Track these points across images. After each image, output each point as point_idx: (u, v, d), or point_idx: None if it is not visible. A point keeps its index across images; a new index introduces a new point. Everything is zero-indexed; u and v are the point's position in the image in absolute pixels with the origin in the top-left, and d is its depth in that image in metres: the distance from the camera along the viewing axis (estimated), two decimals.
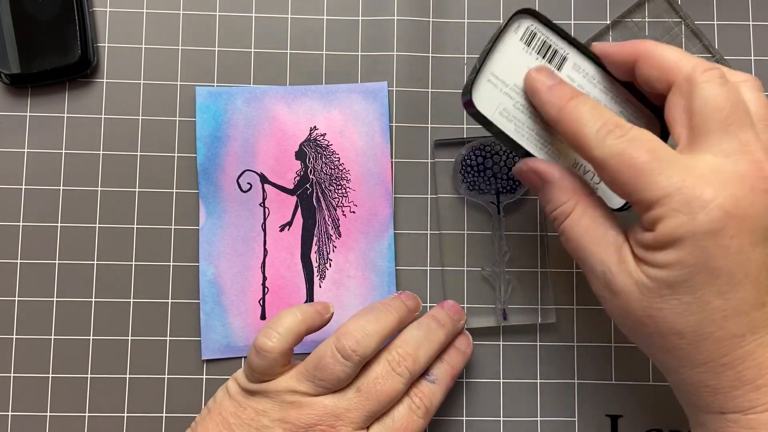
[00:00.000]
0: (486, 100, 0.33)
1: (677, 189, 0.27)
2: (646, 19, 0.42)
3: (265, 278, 0.41)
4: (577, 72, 0.34)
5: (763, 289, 0.27)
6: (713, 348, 0.27)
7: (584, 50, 0.33)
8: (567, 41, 0.33)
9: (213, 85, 0.42)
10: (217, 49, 0.42)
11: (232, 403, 0.35)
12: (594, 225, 0.30)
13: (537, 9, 0.34)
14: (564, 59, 0.33)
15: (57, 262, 0.41)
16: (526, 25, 0.33)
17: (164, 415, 0.40)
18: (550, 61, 0.33)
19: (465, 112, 0.33)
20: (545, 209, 0.33)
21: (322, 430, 0.33)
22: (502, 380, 0.41)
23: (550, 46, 0.33)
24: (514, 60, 0.33)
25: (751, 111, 0.29)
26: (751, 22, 0.43)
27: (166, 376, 0.40)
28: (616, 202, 0.34)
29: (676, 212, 0.27)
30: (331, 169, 0.41)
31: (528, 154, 0.33)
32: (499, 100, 0.33)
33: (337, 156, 0.41)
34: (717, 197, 0.26)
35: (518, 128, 0.33)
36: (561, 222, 0.31)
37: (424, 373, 0.36)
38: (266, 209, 0.41)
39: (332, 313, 0.37)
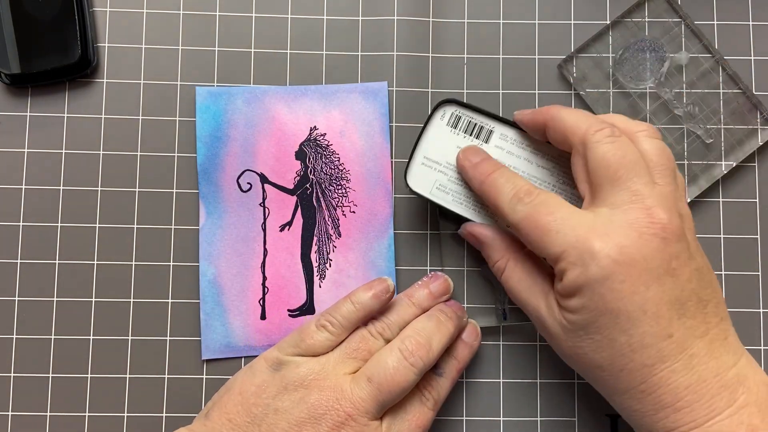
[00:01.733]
0: (421, 180, 0.38)
1: (571, 245, 0.30)
2: (646, 19, 0.42)
3: (265, 278, 0.41)
4: (504, 141, 0.38)
5: (666, 321, 0.30)
6: (629, 377, 0.31)
7: (506, 121, 0.38)
8: (489, 117, 0.38)
9: (213, 85, 0.42)
10: (217, 49, 0.42)
11: (255, 380, 0.35)
12: (524, 277, 0.35)
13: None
14: (491, 132, 0.38)
15: (57, 262, 0.41)
16: (451, 111, 0.38)
17: (164, 415, 0.40)
18: (478, 137, 0.38)
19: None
20: (489, 265, 0.37)
21: (336, 417, 0.33)
22: (502, 380, 0.41)
23: (475, 125, 0.38)
24: (444, 142, 0.38)
25: (649, 159, 0.32)
26: (751, 22, 0.43)
27: (166, 376, 0.40)
28: None
29: (573, 265, 0.30)
30: (331, 169, 0.41)
31: (468, 219, 0.38)
32: (434, 177, 0.38)
33: (337, 156, 0.41)
34: (604, 248, 0.30)
35: (455, 198, 0.38)
36: (499, 276, 0.36)
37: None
38: (266, 209, 0.41)
39: (392, 293, 0.37)
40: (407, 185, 0.38)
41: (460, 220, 0.38)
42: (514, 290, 0.35)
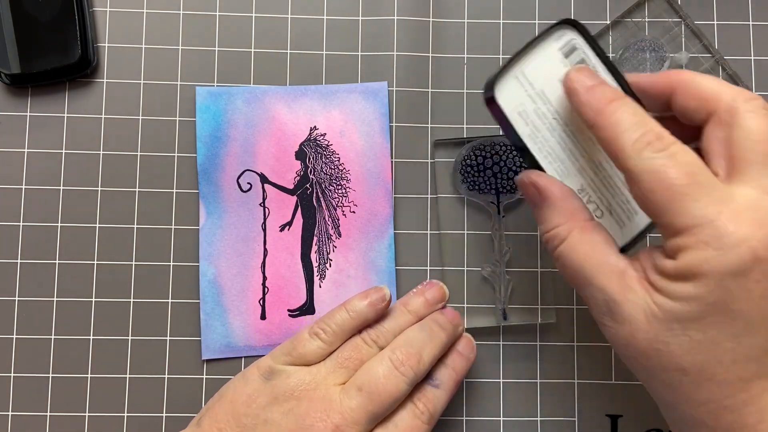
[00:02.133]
0: (508, 95, 0.32)
1: (710, 221, 0.25)
2: (646, 19, 0.42)
3: (265, 278, 0.41)
4: None
5: None
6: (716, 389, 0.26)
7: (619, 78, 0.32)
8: (605, 65, 0.32)
9: (213, 85, 0.42)
10: (217, 49, 0.42)
11: (247, 389, 0.35)
12: (593, 251, 0.29)
13: (573, 17, 0.32)
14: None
15: (57, 262, 0.41)
16: (569, 37, 0.32)
17: (164, 415, 0.40)
18: None
19: (486, 106, 0.32)
20: (539, 229, 0.31)
21: (324, 429, 0.33)
22: (502, 380, 0.41)
23: (588, 63, 0.32)
24: (548, 67, 0.32)
25: None
26: (751, 22, 0.43)
27: (166, 376, 0.40)
28: (619, 240, 0.32)
29: (705, 245, 0.25)
30: (331, 169, 0.41)
31: (534, 166, 0.32)
32: (521, 100, 0.32)
33: (337, 156, 0.41)
34: (750, 237, 0.25)
35: (533, 134, 0.32)
36: (555, 246, 0.30)
37: (427, 377, 0.36)
38: (266, 209, 0.41)
39: (388, 302, 0.36)
40: (488, 94, 0.32)
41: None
42: (575, 266, 0.29)
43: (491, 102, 0.32)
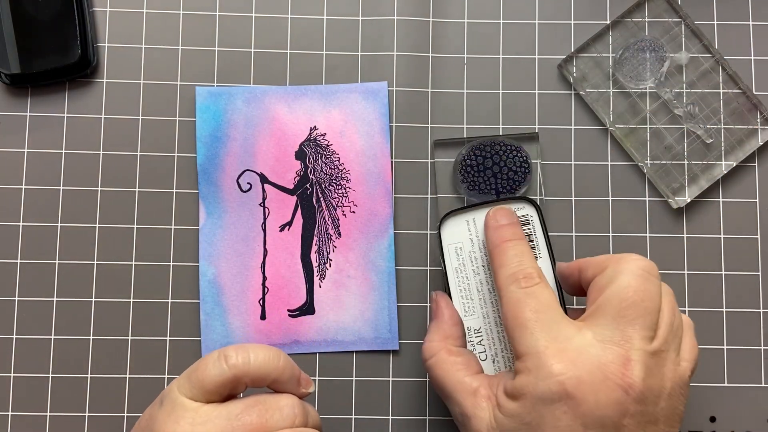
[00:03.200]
0: (453, 231, 0.37)
1: (537, 352, 0.29)
2: (646, 19, 0.42)
3: (265, 278, 0.41)
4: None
5: None
6: None
7: (552, 259, 0.36)
8: (547, 246, 0.36)
9: (213, 85, 0.42)
10: (217, 49, 0.42)
11: (146, 411, 0.31)
12: (453, 370, 0.33)
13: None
14: (538, 256, 0.36)
15: (57, 262, 0.41)
16: (527, 212, 0.37)
17: None
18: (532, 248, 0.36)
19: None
20: (425, 338, 0.36)
21: None
22: None
23: (533, 239, 0.37)
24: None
25: (665, 312, 0.30)
26: (751, 22, 0.43)
27: (165, 376, 0.40)
28: None
29: (528, 371, 0.29)
30: (331, 169, 0.41)
31: (449, 293, 0.37)
32: (462, 239, 0.37)
33: (337, 156, 0.41)
34: (563, 373, 0.28)
35: (459, 268, 0.37)
36: (426, 359, 0.35)
37: None
38: (266, 209, 0.41)
39: (310, 392, 0.32)
40: (439, 224, 0.37)
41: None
42: (440, 379, 0.33)
43: (438, 230, 0.37)
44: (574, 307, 0.40)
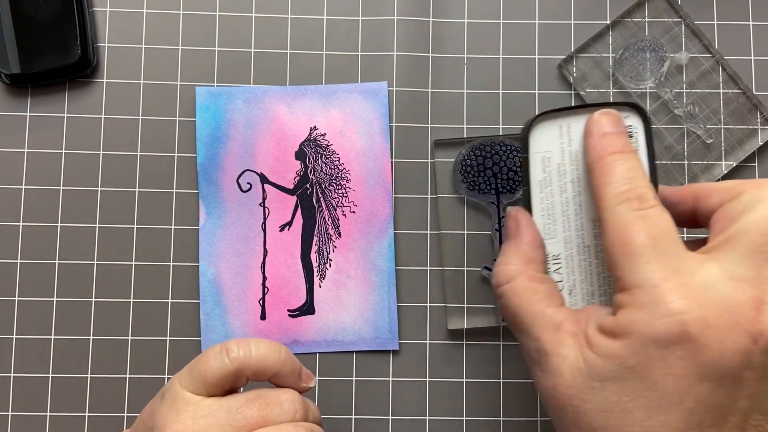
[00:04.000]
0: (543, 138, 0.31)
1: (653, 285, 0.25)
2: (646, 19, 0.42)
3: (265, 278, 0.41)
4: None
5: (695, 423, 0.25)
6: None
7: (654, 177, 0.31)
8: (649, 160, 0.31)
9: (213, 85, 0.42)
10: (217, 49, 0.42)
11: (148, 405, 0.31)
12: (533, 299, 0.29)
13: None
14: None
15: (57, 262, 0.41)
16: (631, 122, 0.31)
17: None
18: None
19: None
20: (497, 261, 0.31)
21: None
22: (502, 380, 0.40)
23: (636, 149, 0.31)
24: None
25: None
26: (751, 22, 0.43)
27: (165, 376, 0.40)
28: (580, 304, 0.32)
29: (640, 307, 0.25)
30: (331, 169, 0.41)
31: (528, 209, 0.32)
32: (552, 148, 0.31)
33: (337, 156, 0.41)
34: (685, 312, 0.25)
35: (543, 182, 0.32)
36: (501, 284, 0.30)
37: None
38: (266, 209, 0.41)
39: (311, 387, 0.31)
40: (527, 129, 0.31)
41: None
42: (516, 308, 0.29)
43: (525, 135, 0.31)
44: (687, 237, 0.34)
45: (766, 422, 0.25)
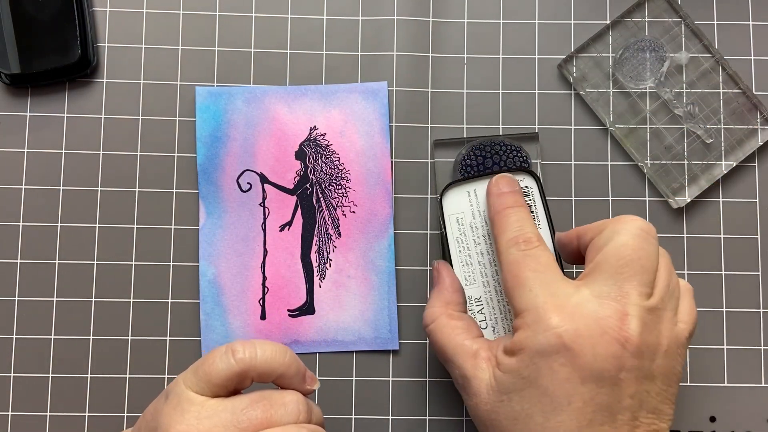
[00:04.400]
0: (455, 201, 0.38)
1: (535, 307, 0.30)
2: (646, 19, 0.42)
3: (265, 278, 0.41)
4: None
5: (587, 422, 0.29)
6: None
7: (551, 229, 0.37)
8: (546, 215, 0.37)
9: (213, 85, 0.42)
10: (217, 49, 0.42)
11: (151, 405, 0.31)
12: (453, 334, 0.34)
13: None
14: (538, 226, 0.36)
15: (57, 262, 0.41)
16: (527, 184, 0.37)
17: None
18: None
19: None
20: (427, 306, 0.36)
21: None
22: None
23: (533, 210, 0.37)
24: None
25: (662, 271, 0.31)
26: (751, 22, 0.43)
27: (166, 376, 0.40)
28: None
29: (527, 326, 0.30)
30: (331, 169, 0.41)
31: (450, 261, 0.37)
32: (464, 209, 0.38)
33: (337, 156, 0.41)
34: (560, 326, 0.29)
35: (460, 238, 0.37)
36: (427, 324, 0.35)
37: None
38: (266, 209, 0.41)
39: (315, 389, 0.32)
40: (441, 194, 0.38)
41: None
42: (439, 343, 0.34)
43: (440, 200, 0.38)
44: (574, 277, 0.39)
45: (657, 420, 0.30)
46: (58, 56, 0.40)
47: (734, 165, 0.41)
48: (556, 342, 0.29)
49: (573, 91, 0.42)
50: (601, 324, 0.29)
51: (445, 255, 0.37)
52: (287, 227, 0.41)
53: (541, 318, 0.30)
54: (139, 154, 0.41)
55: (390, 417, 0.40)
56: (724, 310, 0.41)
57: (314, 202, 0.41)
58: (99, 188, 0.41)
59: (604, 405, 0.29)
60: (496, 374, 0.31)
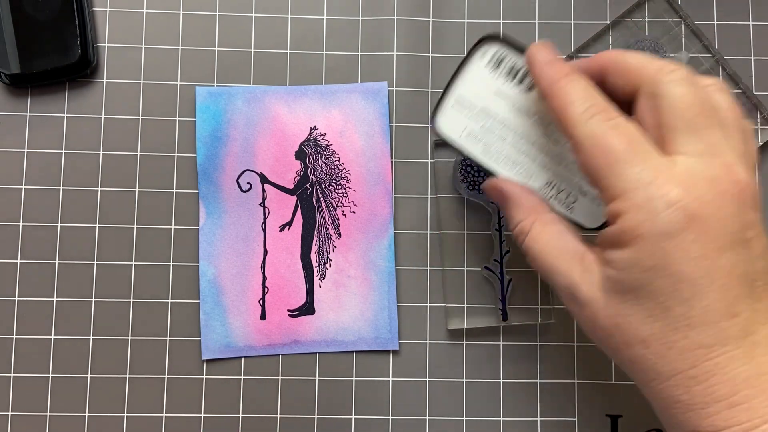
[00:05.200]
0: (451, 124, 0.34)
1: (645, 184, 0.26)
2: (646, 19, 0.42)
3: (265, 278, 0.41)
4: None
5: (733, 297, 0.26)
6: (679, 358, 0.26)
7: None
8: None
9: (213, 85, 0.42)
10: (217, 49, 0.42)
11: None
12: (554, 240, 0.30)
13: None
14: None
15: (57, 262, 0.41)
16: (493, 50, 0.34)
17: (164, 415, 0.40)
18: (520, 82, 0.34)
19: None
20: (509, 227, 0.33)
21: None
22: (502, 380, 0.40)
23: (519, 69, 0.34)
24: (482, 84, 0.34)
25: (720, 113, 0.28)
26: (751, 22, 0.43)
27: (166, 376, 0.40)
28: (594, 220, 0.33)
29: (638, 208, 0.26)
30: (331, 169, 0.41)
31: (496, 175, 0.34)
32: (465, 123, 0.34)
33: (337, 156, 0.41)
34: (683, 198, 0.26)
35: (486, 149, 0.34)
36: (522, 240, 0.32)
37: None
38: (266, 209, 0.41)
39: None
40: (434, 127, 0.35)
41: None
42: (540, 254, 0.30)
43: (438, 136, 0.34)
44: None
45: None
46: (58, 56, 0.40)
47: None
48: (683, 218, 0.25)
49: None
50: (717, 184, 0.26)
51: (488, 175, 0.34)
52: (287, 227, 0.41)
53: (657, 194, 0.26)
54: (139, 154, 0.41)
55: (390, 417, 0.40)
56: None
57: (314, 202, 0.41)
58: (99, 188, 0.41)
59: (743, 273, 0.26)
60: (610, 274, 0.27)
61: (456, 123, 0.34)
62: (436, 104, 0.35)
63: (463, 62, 0.34)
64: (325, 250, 0.41)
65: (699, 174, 0.26)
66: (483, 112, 0.34)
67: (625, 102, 0.30)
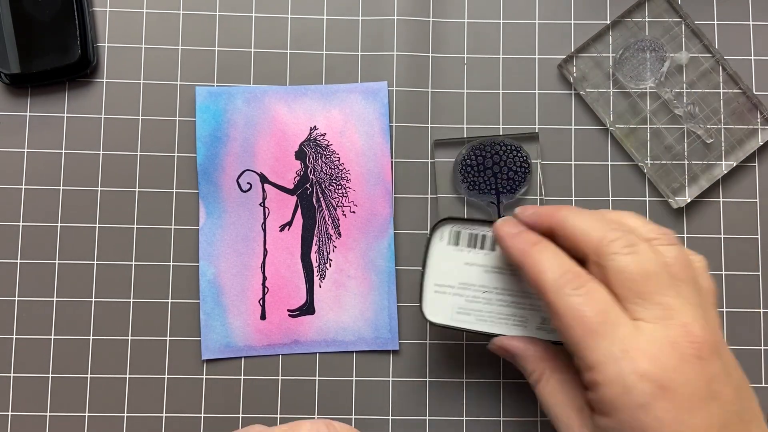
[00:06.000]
0: (439, 308, 0.37)
1: (614, 358, 0.28)
2: (646, 19, 0.42)
3: (265, 278, 0.41)
4: None
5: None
6: None
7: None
8: (488, 224, 0.36)
9: (213, 85, 0.42)
10: (217, 49, 0.42)
11: None
12: (558, 389, 0.32)
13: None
14: (494, 239, 0.36)
15: (57, 262, 0.41)
16: (448, 229, 0.37)
17: (164, 415, 0.40)
18: (482, 247, 0.36)
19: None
20: (525, 376, 0.35)
21: None
22: (502, 380, 0.40)
23: (476, 235, 0.36)
24: (451, 263, 0.37)
25: (670, 269, 0.29)
26: (751, 22, 0.43)
27: (166, 376, 0.40)
28: None
29: (611, 382, 0.28)
30: (331, 169, 0.41)
31: (495, 334, 0.36)
32: (450, 302, 0.36)
33: (337, 156, 0.41)
34: (651, 371, 0.27)
35: (479, 317, 0.36)
36: (534, 388, 0.34)
37: None
38: (266, 209, 0.41)
39: None
40: (425, 318, 0.36)
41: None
42: (548, 402, 0.32)
43: (433, 324, 0.36)
44: None
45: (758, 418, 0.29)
46: (58, 56, 0.40)
47: (734, 165, 0.41)
48: (654, 388, 0.27)
49: (573, 91, 0.42)
50: (676, 348, 0.27)
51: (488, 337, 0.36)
52: (287, 227, 0.41)
53: (627, 370, 0.27)
54: (139, 154, 0.41)
55: (390, 417, 0.40)
56: (724, 310, 0.41)
57: (314, 202, 0.41)
58: (99, 188, 0.41)
59: (719, 425, 0.27)
60: None
61: (443, 305, 0.37)
62: (419, 295, 0.37)
63: (427, 249, 0.37)
64: (325, 250, 0.41)
65: (661, 340, 0.28)
66: (462, 287, 0.36)
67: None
